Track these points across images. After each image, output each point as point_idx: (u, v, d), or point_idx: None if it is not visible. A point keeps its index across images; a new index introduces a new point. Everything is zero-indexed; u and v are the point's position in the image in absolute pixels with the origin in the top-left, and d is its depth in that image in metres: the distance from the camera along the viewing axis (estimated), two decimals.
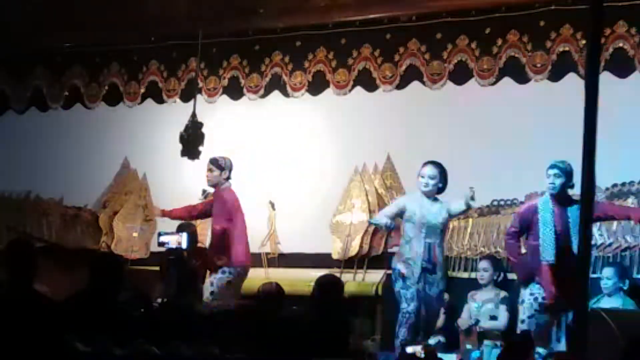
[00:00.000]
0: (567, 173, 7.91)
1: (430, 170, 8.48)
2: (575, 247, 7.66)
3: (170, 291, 8.45)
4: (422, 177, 8.48)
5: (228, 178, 9.34)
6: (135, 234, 11.44)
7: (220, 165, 9.31)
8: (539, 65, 9.78)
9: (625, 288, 8.47)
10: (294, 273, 9.73)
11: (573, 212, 7.79)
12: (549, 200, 8.01)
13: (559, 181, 7.94)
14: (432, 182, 8.43)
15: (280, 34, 11.12)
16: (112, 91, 12.12)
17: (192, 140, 10.09)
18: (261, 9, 10.84)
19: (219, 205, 9.26)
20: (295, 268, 10.12)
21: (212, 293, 8.94)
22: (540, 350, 7.94)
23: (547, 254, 7.94)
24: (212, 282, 9.04)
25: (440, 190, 8.50)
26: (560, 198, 7.95)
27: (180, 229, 9.23)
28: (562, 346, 7.82)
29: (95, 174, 11.86)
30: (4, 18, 11.57)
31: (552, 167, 7.98)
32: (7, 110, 12.75)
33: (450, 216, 8.58)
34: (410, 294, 8.33)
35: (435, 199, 8.49)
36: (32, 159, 12.20)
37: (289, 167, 10.78)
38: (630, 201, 9.11)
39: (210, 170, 9.31)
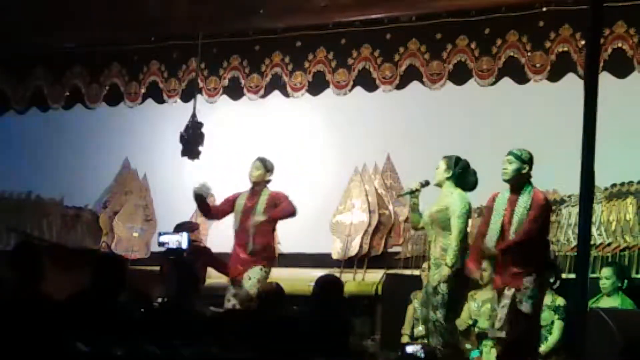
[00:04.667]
0: (521, 160, 7.70)
1: (439, 163, 8.14)
2: (510, 234, 7.54)
3: (170, 291, 8.45)
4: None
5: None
6: (135, 234, 11.46)
7: (266, 165, 9.12)
8: (538, 65, 9.80)
9: (623, 288, 8.47)
10: (294, 273, 9.74)
11: (522, 200, 7.59)
12: (508, 190, 7.80)
13: (511, 167, 7.70)
14: (436, 171, 8.15)
15: (280, 34, 11.14)
16: (112, 91, 12.14)
17: (192, 140, 10.11)
18: (261, 9, 10.85)
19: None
20: (295, 268, 10.13)
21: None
22: (539, 350, 7.94)
23: (489, 242, 7.70)
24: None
25: (451, 179, 8.01)
26: (514, 186, 7.73)
27: (180, 229, 9.24)
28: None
29: (95, 174, 11.88)
30: (4, 18, 11.58)
31: (508, 153, 7.79)
32: (8, 110, 12.77)
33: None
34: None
35: (448, 191, 8.06)
36: (32, 159, 12.21)
37: (288, 168, 10.78)
38: (629, 201, 9.13)
39: (257, 168, 9.13)
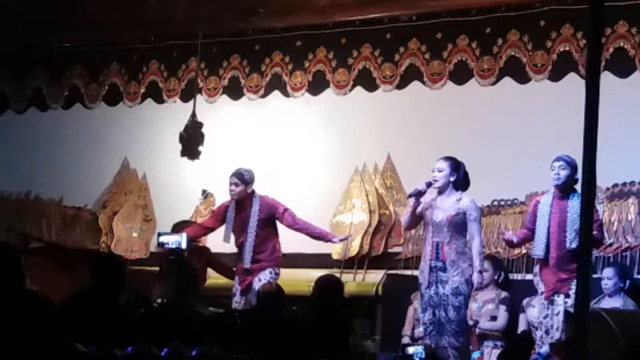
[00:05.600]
0: (572, 166, 7.83)
1: (438, 163, 8.10)
2: (567, 242, 7.73)
3: (170, 291, 8.44)
4: (432, 171, 8.14)
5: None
6: (135, 234, 11.44)
7: (245, 180, 9.09)
8: (539, 65, 9.78)
9: (625, 288, 8.46)
10: (294, 273, 9.72)
11: (573, 205, 7.75)
12: (550, 195, 7.97)
13: (564, 173, 7.87)
14: (439, 174, 8.13)
15: (280, 34, 11.12)
16: (112, 91, 12.12)
17: (192, 140, 10.10)
18: (261, 9, 10.83)
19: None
20: (295, 268, 10.10)
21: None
22: (541, 350, 7.94)
23: (538, 249, 7.92)
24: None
25: (456, 183, 8.05)
26: (563, 191, 7.88)
27: (177, 229, 9.22)
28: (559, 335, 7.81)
29: (95, 174, 11.86)
30: (4, 18, 11.56)
31: (558, 159, 7.93)
32: (7, 110, 12.74)
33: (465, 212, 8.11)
34: (424, 303, 8.07)
35: (452, 195, 8.08)
36: (32, 159, 12.19)
37: (288, 167, 10.77)
38: (631, 201, 9.11)
39: (235, 184, 9.10)
